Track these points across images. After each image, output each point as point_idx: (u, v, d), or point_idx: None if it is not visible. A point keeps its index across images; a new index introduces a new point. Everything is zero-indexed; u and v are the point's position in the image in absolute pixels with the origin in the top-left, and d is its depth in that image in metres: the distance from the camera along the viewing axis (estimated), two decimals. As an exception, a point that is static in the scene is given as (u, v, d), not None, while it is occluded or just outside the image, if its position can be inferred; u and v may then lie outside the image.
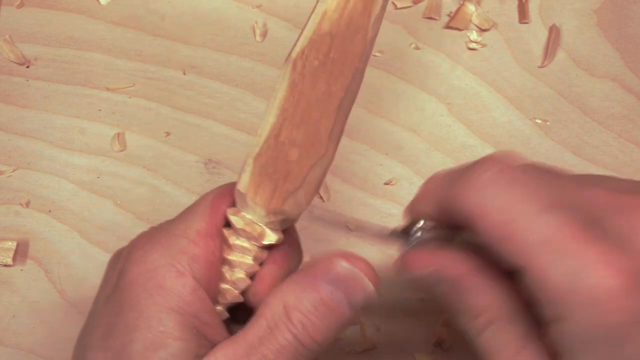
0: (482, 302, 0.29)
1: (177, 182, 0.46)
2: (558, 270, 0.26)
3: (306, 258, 0.44)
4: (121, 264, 0.31)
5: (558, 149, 0.47)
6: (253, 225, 0.31)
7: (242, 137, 0.47)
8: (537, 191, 0.27)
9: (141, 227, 0.45)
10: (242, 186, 0.31)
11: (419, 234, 0.31)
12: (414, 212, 0.32)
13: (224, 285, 0.31)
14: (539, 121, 0.48)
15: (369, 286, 0.30)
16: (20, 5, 0.50)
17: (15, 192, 0.46)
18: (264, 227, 0.31)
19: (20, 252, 0.44)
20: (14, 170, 0.46)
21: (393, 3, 0.50)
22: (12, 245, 0.44)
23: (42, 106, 0.48)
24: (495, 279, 0.29)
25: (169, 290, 0.29)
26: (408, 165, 0.46)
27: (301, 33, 0.31)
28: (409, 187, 0.46)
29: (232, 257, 0.31)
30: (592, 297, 0.26)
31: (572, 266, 0.26)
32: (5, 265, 0.44)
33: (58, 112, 0.48)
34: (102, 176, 0.46)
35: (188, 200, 0.45)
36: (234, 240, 0.31)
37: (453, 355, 0.42)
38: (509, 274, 0.28)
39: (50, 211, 0.45)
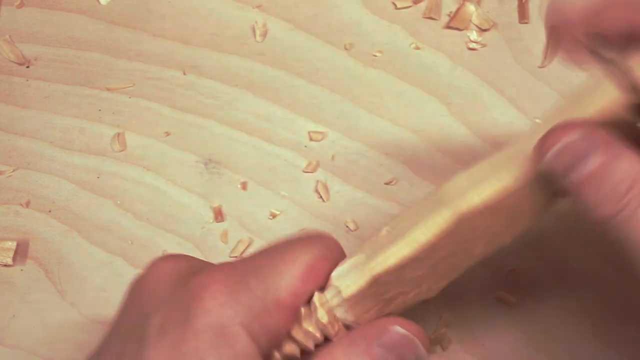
0: (635, 169, 0.28)
1: (177, 182, 0.46)
2: None
3: (306, 258, 0.44)
4: (186, 297, 0.28)
5: (558, 149, 0.47)
6: (334, 324, 0.30)
7: (242, 137, 0.47)
8: None
9: (141, 227, 0.45)
10: (345, 292, 0.29)
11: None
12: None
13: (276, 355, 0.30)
14: (539, 121, 0.47)
15: (422, 351, 0.29)
16: (20, 5, 0.50)
17: (15, 192, 0.46)
18: (342, 326, 0.30)
19: (20, 252, 0.44)
20: (14, 170, 0.46)
21: (393, 3, 0.50)
22: (12, 245, 0.44)
23: (42, 106, 0.48)
24: (634, 150, 0.28)
25: (236, 353, 0.27)
26: (408, 165, 0.46)
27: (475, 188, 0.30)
28: (409, 187, 0.46)
29: (296, 335, 0.30)
30: None
31: None
32: (5, 265, 0.44)
33: (58, 112, 0.48)
34: (102, 176, 0.46)
35: (188, 200, 0.45)
36: (307, 325, 0.30)
37: (453, 354, 0.42)
38: None
39: (50, 211, 0.45)
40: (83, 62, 0.49)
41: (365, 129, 0.47)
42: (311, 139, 0.47)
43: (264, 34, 0.49)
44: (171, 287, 0.29)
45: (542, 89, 0.48)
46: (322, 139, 0.47)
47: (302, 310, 0.29)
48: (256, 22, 0.49)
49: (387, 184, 0.46)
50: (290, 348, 0.30)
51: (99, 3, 0.50)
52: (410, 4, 0.50)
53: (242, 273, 0.29)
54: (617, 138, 0.29)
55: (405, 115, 0.48)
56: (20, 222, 0.45)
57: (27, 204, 0.45)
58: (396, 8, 0.50)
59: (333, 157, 0.46)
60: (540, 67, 0.49)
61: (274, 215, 0.45)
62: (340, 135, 0.47)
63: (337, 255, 0.31)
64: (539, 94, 0.48)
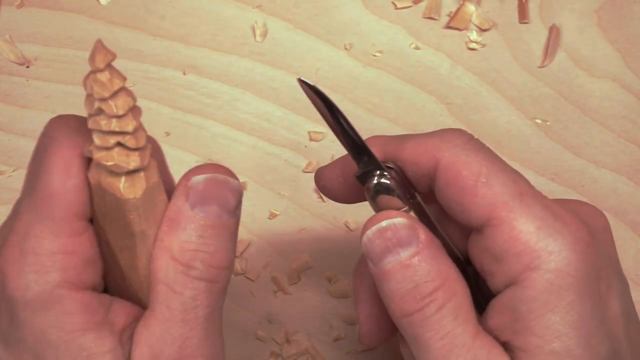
0: (445, 271, 0.28)
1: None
2: (531, 218, 0.27)
3: (306, 258, 0.44)
4: (4, 305, 0.27)
5: (558, 149, 0.47)
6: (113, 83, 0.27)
7: (242, 137, 0.47)
8: (499, 158, 0.30)
9: (141, 227, 0.45)
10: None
11: (380, 179, 0.30)
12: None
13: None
14: (539, 121, 0.48)
15: (233, 182, 0.28)
16: (20, 5, 0.50)
17: (15, 192, 0.46)
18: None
19: (20, 252, 0.44)
20: (14, 170, 0.46)
21: (393, 3, 0.50)
22: (12, 245, 0.44)
23: (42, 106, 0.48)
24: (446, 254, 0.29)
25: (73, 313, 0.27)
26: (408, 165, 0.46)
27: None
28: (409, 187, 0.46)
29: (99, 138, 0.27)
30: (563, 245, 0.27)
31: (544, 216, 0.27)
32: (5, 265, 0.44)
33: (58, 112, 0.47)
34: (102, 176, 0.46)
35: (188, 200, 0.45)
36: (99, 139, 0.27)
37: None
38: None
39: (50, 211, 0.45)
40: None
41: (365, 129, 0.47)
42: (311, 139, 0.47)
43: (264, 34, 0.49)
44: None
45: (542, 89, 0.48)
46: (322, 139, 0.47)
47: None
48: (256, 22, 0.49)
49: (387, 184, 0.46)
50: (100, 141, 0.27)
51: (99, 3, 0.50)
52: (410, 4, 0.50)
53: (18, 242, 0.28)
54: (438, 240, 0.29)
55: (405, 115, 0.48)
56: (20, 222, 0.45)
57: (27, 204, 0.45)
58: (396, 8, 0.50)
59: (333, 157, 0.46)
60: (540, 67, 0.49)
61: (273, 216, 0.45)
62: (340, 135, 0.47)
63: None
64: (539, 94, 0.48)
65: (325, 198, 0.45)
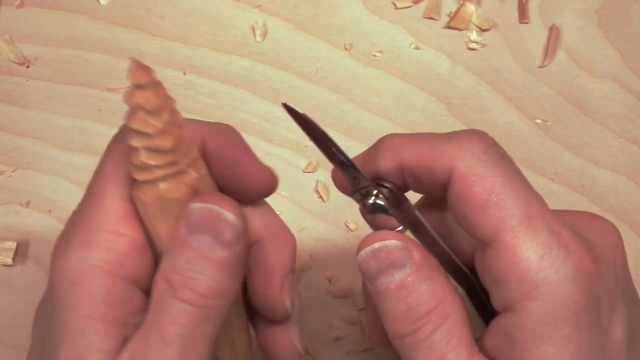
0: (439, 293, 0.28)
1: (177, 182, 0.46)
2: (535, 246, 0.27)
3: (306, 258, 0.44)
4: (50, 273, 0.28)
5: (558, 149, 0.47)
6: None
7: (242, 137, 0.47)
8: (519, 171, 0.29)
9: (141, 227, 0.45)
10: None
11: (375, 199, 0.30)
12: (368, 166, 0.31)
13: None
14: (539, 121, 0.48)
15: (229, 216, 0.27)
16: (20, 5, 0.50)
17: (15, 192, 0.46)
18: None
19: (20, 252, 0.44)
20: (14, 170, 0.46)
21: (393, 3, 0.50)
22: (12, 245, 0.44)
23: (42, 106, 0.48)
24: (442, 274, 0.29)
25: (93, 298, 0.27)
26: (408, 165, 0.46)
27: None
28: (409, 187, 0.46)
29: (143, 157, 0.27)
30: (562, 278, 0.26)
31: (549, 245, 0.27)
32: (5, 265, 0.44)
33: (58, 112, 0.48)
34: (102, 176, 0.46)
35: (188, 200, 0.45)
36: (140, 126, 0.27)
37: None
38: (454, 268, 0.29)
39: (50, 211, 0.45)
40: (83, 62, 0.49)
41: (365, 129, 0.47)
42: (311, 139, 0.47)
43: (264, 34, 0.49)
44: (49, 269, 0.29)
45: (542, 89, 0.48)
46: (322, 139, 0.47)
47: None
48: (256, 22, 0.49)
49: (387, 184, 0.46)
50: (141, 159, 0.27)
51: (99, 3, 0.50)
52: (410, 4, 0.50)
53: (75, 220, 0.29)
54: (434, 260, 0.29)
55: (405, 115, 0.48)
56: (20, 222, 0.45)
57: (27, 204, 0.45)
58: (396, 8, 0.50)
59: (333, 157, 0.46)
60: (540, 67, 0.49)
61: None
62: (340, 135, 0.47)
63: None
64: (539, 94, 0.48)
65: (325, 198, 0.45)
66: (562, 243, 0.27)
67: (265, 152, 0.47)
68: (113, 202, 0.28)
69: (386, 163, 0.30)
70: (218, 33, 0.49)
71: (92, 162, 0.47)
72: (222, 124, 0.32)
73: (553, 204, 0.47)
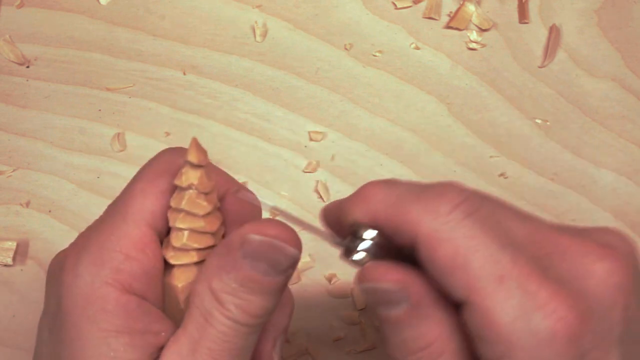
0: (435, 331, 0.28)
1: (177, 182, 0.46)
2: (508, 308, 0.26)
3: (306, 258, 0.44)
4: (55, 287, 0.29)
5: (558, 149, 0.47)
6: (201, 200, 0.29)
7: (242, 137, 0.47)
8: (493, 227, 0.27)
9: (141, 227, 0.45)
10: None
11: (365, 244, 0.29)
12: (346, 216, 0.30)
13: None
14: (539, 121, 0.48)
15: (290, 250, 0.28)
16: (20, 5, 0.50)
17: (15, 192, 0.46)
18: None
19: (20, 252, 0.44)
20: (14, 170, 0.46)
21: (393, 3, 0.50)
22: (12, 245, 0.44)
23: (42, 106, 0.48)
24: (443, 309, 0.28)
25: (113, 313, 0.27)
26: (408, 165, 0.46)
27: None
28: (409, 187, 0.46)
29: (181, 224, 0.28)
30: (539, 340, 0.26)
31: (523, 306, 0.26)
32: (5, 265, 0.44)
33: (58, 112, 0.48)
34: (102, 176, 0.46)
35: (188, 200, 0.45)
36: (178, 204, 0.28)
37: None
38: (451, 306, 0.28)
39: (50, 211, 0.45)
40: (83, 62, 0.49)
41: (365, 129, 0.47)
42: (311, 139, 0.47)
43: (264, 34, 0.49)
44: (49, 282, 0.30)
45: (542, 89, 0.48)
46: (322, 139, 0.47)
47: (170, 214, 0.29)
48: (256, 22, 0.49)
49: (387, 184, 0.46)
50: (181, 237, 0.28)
51: (99, 3, 0.50)
52: (410, 4, 0.50)
53: (89, 235, 0.29)
54: (434, 296, 0.28)
55: (405, 115, 0.48)
56: (20, 222, 0.45)
57: (27, 204, 0.45)
58: (396, 8, 0.50)
59: (333, 157, 0.46)
60: (540, 67, 0.49)
61: (274, 215, 0.45)
62: (340, 135, 0.47)
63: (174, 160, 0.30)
64: (539, 94, 0.48)
65: (325, 198, 0.45)
66: (538, 304, 0.26)
67: (265, 152, 0.47)
68: (133, 225, 0.28)
69: (362, 217, 0.30)
70: (218, 33, 0.49)
71: (92, 162, 0.47)
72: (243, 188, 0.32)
73: (553, 204, 0.47)
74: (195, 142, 0.28)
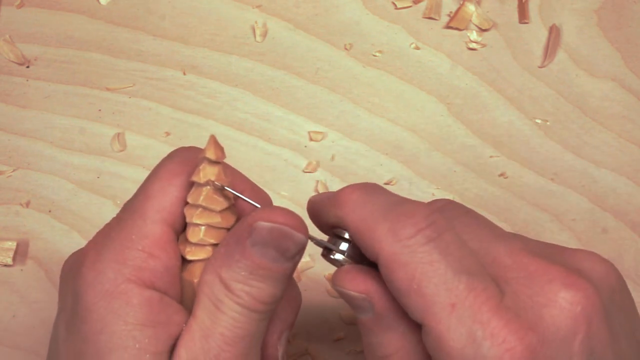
0: (396, 344, 0.29)
1: (177, 182, 0.46)
2: (458, 335, 0.26)
3: (306, 258, 0.44)
4: (72, 285, 0.29)
5: (558, 149, 0.47)
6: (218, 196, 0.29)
7: (242, 137, 0.47)
8: (454, 253, 0.27)
9: (141, 227, 0.45)
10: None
11: (345, 245, 0.30)
12: (325, 216, 0.31)
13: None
14: (539, 121, 0.48)
15: (298, 236, 0.28)
16: (20, 5, 0.50)
17: (15, 192, 0.46)
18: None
19: (20, 252, 0.44)
20: (14, 170, 0.46)
21: (393, 3, 0.50)
22: (12, 245, 0.44)
23: (42, 106, 0.48)
24: (407, 323, 0.29)
25: (137, 307, 0.28)
26: (408, 165, 0.46)
27: None
28: (409, 187, 0.46)
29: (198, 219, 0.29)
30: None
31: (472, 334, 0.26)
32: (5, 265, 0.44)
33: (58, 112, 0.48)
34: (102, 176, 0.46)
35: (188, 200, 0.45)
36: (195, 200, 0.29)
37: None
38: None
39: (50, 211, 0.45)
40: (83, 62, 0.49)
41: (365, 129, 0.47)
42: (311, 139, 0.47)
43: (264, 34, 0.49)
44: (64, 280, 0.30)
45: (542, 89, 0.48)
46: (322, 139, 0.47)
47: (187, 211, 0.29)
48: (256, 22, 0.49)
49: (386, 183, 0.46)
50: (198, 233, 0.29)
51: (99, 3, 0.50)
52: (410, 4, 0.50)
53: (109, 233, 0.30)
54: (397, 309, 0.28)
55: (405, 115, 0.48)
56: (20, 222, 0.45)
57: (27, 204, 0.45)
58: (396, 8, 0.50)
59: (333, 157, 0.46)
60: (540, 67, 0.49)
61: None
62: (340, 135, 0.47)
63: (188, 159, 0.31)
64: (539, 94, 0.48)
65: (325, 198, 0.45)
66: (488, 333, 0.26)
67: (265, 152, 0.47)
68: (152, 224, 0.29)
69: (336, 223, 0.30)
70: (218, 33, 0.49)
71: (92, 162, 0.47)
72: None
73: (553, 204, 0.47)
74: (214, 139, 0.29)
